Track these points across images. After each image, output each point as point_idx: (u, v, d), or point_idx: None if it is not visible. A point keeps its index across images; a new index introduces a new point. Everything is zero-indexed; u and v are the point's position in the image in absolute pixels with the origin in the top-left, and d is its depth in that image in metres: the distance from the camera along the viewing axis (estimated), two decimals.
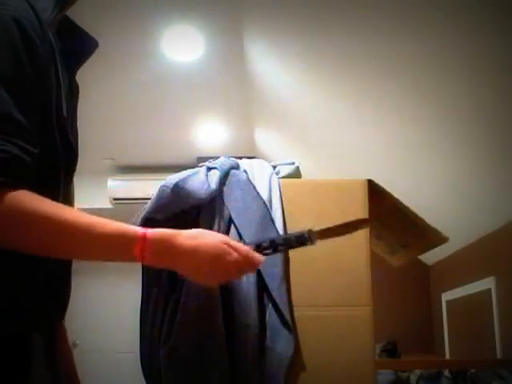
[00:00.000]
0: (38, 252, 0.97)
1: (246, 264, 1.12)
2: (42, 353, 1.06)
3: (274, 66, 3.77)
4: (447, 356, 4.80)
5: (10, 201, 0.92)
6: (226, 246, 1.10)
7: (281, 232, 1.40)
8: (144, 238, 1.02)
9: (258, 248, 1.17)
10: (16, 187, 0.93)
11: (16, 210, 0.93)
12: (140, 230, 1.04)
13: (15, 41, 0.97)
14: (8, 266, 0.98)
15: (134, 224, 1.45)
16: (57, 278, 1.10)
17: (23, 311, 1.01)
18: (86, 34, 1.23)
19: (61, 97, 1.08)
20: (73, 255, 1.05)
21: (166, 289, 1.39)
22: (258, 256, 1.14)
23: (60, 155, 1.06)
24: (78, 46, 1.20)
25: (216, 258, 1.08)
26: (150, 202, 1.46)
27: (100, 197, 5.27)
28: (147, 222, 1.45)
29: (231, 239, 1.15)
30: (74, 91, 1.19)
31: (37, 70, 1.00)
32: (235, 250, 1.10)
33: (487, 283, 3.94)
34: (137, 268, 1.47)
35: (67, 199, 1.14)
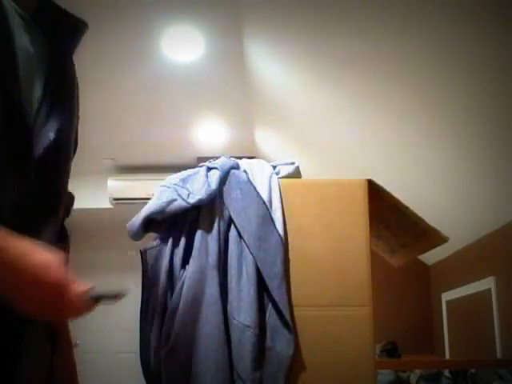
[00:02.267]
0: None
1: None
2: (35, 352, 1.02)
3: (274, 66, 3.78)
4: (447, 356, 4.80)
5: None
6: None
7: (280, 232, 1.40)
8: None
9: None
10: None
11: None
12: None
13: None
14: None
15: (134, 224, 1.46)
16: None
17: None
18: (73, 17, 1.16)
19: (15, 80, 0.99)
20: None
21: (166, 289, 1.39)
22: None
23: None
24: (66, 31, 1.14)
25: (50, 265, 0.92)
26: (150, 202, 1.46)
27: (100, 197, 5.27)
28: (148, 222, 1.46)
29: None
30: (68, 77, 1.15)
31: None
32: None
33: (487, 283, 3.94)
34: (137, 268, 1.47)
35: (43, 191, 1.04)
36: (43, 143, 1.03)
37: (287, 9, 2.94)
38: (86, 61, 3.72)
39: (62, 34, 1.13)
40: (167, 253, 1.42)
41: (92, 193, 5.20)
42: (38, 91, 1.04)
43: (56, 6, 1.13)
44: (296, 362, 1.34)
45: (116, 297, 1.05)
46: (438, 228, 1.55)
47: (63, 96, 1.12)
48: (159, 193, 1.45)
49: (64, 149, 1.10)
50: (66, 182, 1.14)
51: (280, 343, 1.34)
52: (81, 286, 0.96)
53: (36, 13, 1.08)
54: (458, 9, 2.30)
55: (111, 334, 6.23)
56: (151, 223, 1.47)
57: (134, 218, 1.47)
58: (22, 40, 1.03)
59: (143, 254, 1.45)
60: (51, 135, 1.04)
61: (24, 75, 1.01)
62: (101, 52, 3.52)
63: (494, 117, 2.79)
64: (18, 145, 0.98)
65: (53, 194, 1.08)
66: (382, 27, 2.65)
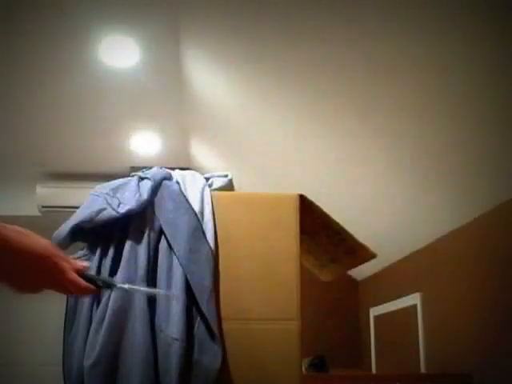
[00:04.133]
0: None
1: (70, 279, 1.06)
2: None
3: (210, 77, 3.78)
4: (374, 370, 4.88)
5: None
6: (55, 250, 1.06)
7: (211, 244, 1.39)
8: None
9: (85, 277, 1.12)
10: None
11: None
12: None
13: None
14: None
15: (61, 232, 1.42)
16: None
17: None
18: None
19: None
20: None
21: (91, 302, 1.36)
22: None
23: None
24: None
25: (45, 254, 1.03)
26: (78, 210, 1.43)
27: (28, 204, 5.12)
28: (76, 230, 1.42)
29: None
30: None
31: None
32: (66, 259, 1.07)
33: (413, 299, 4.03)
34: None
35: None
36: None
37: (225, 19, 2.95)
38: (21, 61, 3.63)
39: None
40: (95, 263, 1.39)
41: (19, 200, 5.05)
42: None
43: None
44: (223, 376, 1.33)
45: (108, 285, 1.18)
46: (367, 244, 1.58)
47: None
48: (89, 201, 1.42)
49: None
50: None
51: (207, 356, 1.33)
52: (76, 263, 1.08)
53: None
54: (400, 20, 2.36)
55: (34, 346, 6.05)
56: (80, 232, 1.43)
57: (61, 227, 1.43)
58: None
59: None
60: None
61: None
62: (36, 54, 3.44)
63: (428, 132, 2.86)
64: None
65: None
66: (319, 38, 2.68)
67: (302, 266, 1.43)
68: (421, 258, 4.02)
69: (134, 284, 1.35)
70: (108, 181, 1.49)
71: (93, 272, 1.37)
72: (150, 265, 1.38)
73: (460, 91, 2.45)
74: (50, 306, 5.78)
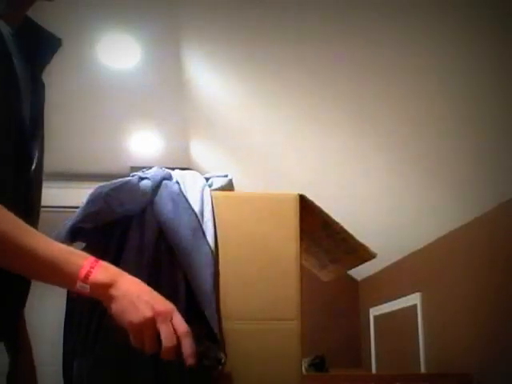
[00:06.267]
0: None
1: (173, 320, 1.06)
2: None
3: (211, 77, 3.77)
4: (373, 370, 4.88)
5: None
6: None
7: (211, 245, 1.39)
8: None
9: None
10: None
11: None
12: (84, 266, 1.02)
13: None
14: None
15: (60, 233, 1.42)
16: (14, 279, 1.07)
17: None
18: (48, 33, 1.20)
19: (19, 100, 1.05)
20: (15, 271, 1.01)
21: (91, 301, 1.35)
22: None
23: (10, 162, 1.02)
24: (40, 46, 1.17)
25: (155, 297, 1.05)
26: (78, 210, 1.43)
27: None
28: (75, 230, 1.42)
29: None
30: (39, 91, 1.17)
31: None
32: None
33: (413, 299, 4.03)
34: None
35: (29, 206, 1.13)
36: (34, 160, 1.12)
37: (226, 20, 2.95)
38: None
39: (39, 50, 1.15)
40: None
41: None
42: (28, 110, 1.10)
43: (32, 21, 1.15)
44: (222, 377, 1.33)
45: (215, 362, 1.15)
46: (367, 244, 1.58)
47: (41, 113, 1.17)
48: (88, 201, 1.42)
49: (42, 164, 1.19)
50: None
51: (208, 358, 1.32)
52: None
53: (17, 29, 1.09)
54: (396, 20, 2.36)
55: (33, 345, 6.05)
56: (79, 232, 1.43)
57: (61, 227, 1.43)
58: (17, 59, 1.06)
59: None
60: (37, 152, 1.14)
61: (24, 95, 1.06)
62: None
63: (428, 132, 2.86)
64: (20, 162, 1.08)
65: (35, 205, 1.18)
66: (317, 37, 2.68)
67: (301, 266, 1.43)
68: (421, 258, 4.02)
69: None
70: (108, 181, 1.49)
71: None
72: (151, 266, 1.38)
73: (460, 91, 2.45)
74: (50, 306, 5.78)
